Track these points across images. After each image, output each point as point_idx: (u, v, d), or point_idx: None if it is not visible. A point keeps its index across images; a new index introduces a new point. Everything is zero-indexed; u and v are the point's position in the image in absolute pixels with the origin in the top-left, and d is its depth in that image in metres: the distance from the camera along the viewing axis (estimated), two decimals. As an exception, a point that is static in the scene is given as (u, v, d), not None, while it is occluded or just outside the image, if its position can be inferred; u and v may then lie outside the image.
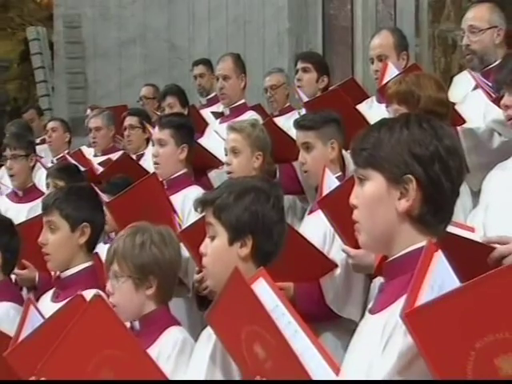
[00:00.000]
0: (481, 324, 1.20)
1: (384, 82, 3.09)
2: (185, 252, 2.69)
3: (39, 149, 4.90)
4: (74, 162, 4.08)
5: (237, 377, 1.67)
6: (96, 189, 2.90)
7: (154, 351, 1.91)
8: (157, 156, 3.34)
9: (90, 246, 2.49)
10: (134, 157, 4.37)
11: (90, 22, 7.01)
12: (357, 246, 2.06)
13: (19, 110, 7.39)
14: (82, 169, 3.86)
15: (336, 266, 2.55)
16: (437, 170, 1.40)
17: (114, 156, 4.39)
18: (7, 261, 2.70)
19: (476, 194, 2.54)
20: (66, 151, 5.07)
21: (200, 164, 3.56)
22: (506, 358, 1.19)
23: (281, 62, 5.77)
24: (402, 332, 1.30)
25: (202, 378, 1.73)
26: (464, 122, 2.78)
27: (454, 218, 1.51)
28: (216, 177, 3.62)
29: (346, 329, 2.37)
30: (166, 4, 6.83)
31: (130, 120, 4.67)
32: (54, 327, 1.92)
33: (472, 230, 2.16)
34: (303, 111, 3.60)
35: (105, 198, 2.99)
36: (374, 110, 3.29)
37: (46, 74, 7.84)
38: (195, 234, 2.18)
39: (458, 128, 2.72)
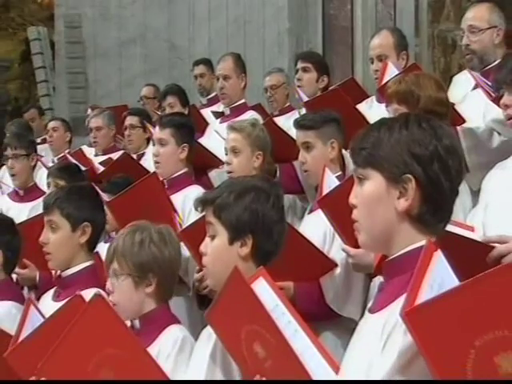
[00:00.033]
0: (480, 322, 1.20)
1: (384, 81, 3.10)
2: (185, 251, 2.70)
3: (40, 148, 4.91)
4: (74, 161, 4.08)
5: (237, 376, 1.68)
6: (97, 188, 2.90)
7: (153, 350, 1.92)
8: (157, 155, 3.34)
9: (91, 245, 2.50)
10: (134, 156, 4.38)
11: (90, 22, 7.01)
12: (357, 246, 2.06)
13: (20, 110, 7.39)
14: (83, 168, 3.87)
15: (336, 265, 2.56)
16: (436, 170, 1.40)
17: (115, 155, 4.40)
18: (8, 260, 2.71)
19: (476, 194, 2.55)
20: (67, 151, 5.08)
21: (200, 163, 3.57)
22: (506, 356, 1.19)
23: (281, 61, 5.78)
24: (402, 331, 1.30)
25: (202, 377, 1.73)
26: (464, 121, 2.78)
27: (453, 217, 1.52)
28: (216, 176, 3.63)
29: (346, 328, 2.38)
30: (166, 4, 6.84)
31: (130, 120, 4.68)
32: (54, 327, 1.93)
33: (472, 229, 2.17)
34: (303, 111, 3.60)
35: (105, 197, 2.99)
36: (373, 110, 3.29)
37: (47, 74, 7.84)
38: (195, 234, 2.18)
39: (458, 128, 2.73)
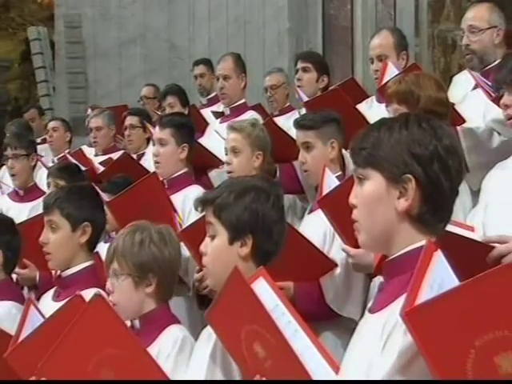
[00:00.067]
0: (480, 322, 1.20)
1: (384, 81, 3.10)
2: (185, 251, 2.70)
3: (40, 148, 4.91)
4: (74, 161, 4.09)
5: (237, 376, 1.68)
6: (97, 188, 2.90)
7: (153, 350, 1.92)
8: (157, 155, 3.35)
9: (91, 245, 2.50)
10: (134, 156, 4.38)
11: (90, 22, 7.01)
12: (357, 246, 2.06)
13: (20, 110, 7.40)
14: (83, 168, 3.87)
15: (336, 265, 2.56)
16: (436, 170, 1.40)
17: (115, 155, 4.40)
18: (8, 260, 2.71)
19: (476, 194, 2.55)
20: (67, 151, 5.08)
21: (200, 163, 3.57)
22: (506, 356, 1.19)
23: (281, 61, 5.78)
24: (402, 331, 1.30)
25: (202, 377, 1.73)
26: (464, 121, 2.78)
27: (453, 217, 1.52)
28: (216, 176, 3.63)
29: (346, 328, 2.38)
30: (166, 4, 6.84)
31: (130, 120, 4.68)
32: (54, 327, 1.93)
33: (472, 229, 2.17)
34: (303, 111, 3.61)
35: (105, 197, 2.99)
36: (373, 110, 3.30)
37: (47, 74, 7.84)
38: (196, 234, 2.18)
39: (458, 128, 2.73)
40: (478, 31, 3.05)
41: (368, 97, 3.56)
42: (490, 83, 2.69)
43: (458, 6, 5.30)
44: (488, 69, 2.99)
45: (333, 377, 1.47)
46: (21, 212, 3.83)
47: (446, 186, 1.41)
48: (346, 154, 2.81)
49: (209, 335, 1.76)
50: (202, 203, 1.85)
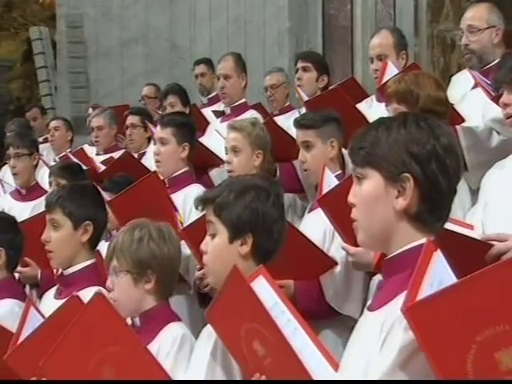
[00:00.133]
0: (481, 317, 1.21)
1: (383, 81, 3.11)
2: (186, 249, 2.71)
3: (42, 147, 4.93)
4: (76, 160, 4.10)
5: (237, 374, 1.68)
6: (98, 187, 2.91)
7: (153, 347, 1.93)
8: (158, 154, 3.36)
9: (93, 243, 2.51)
10: (135, 155, 4.39)
11: (92, 22, 7.02)
12: (356, 244, 2.07)
13: (22, 109, 7.42)
14: (85, 167, 3.89)
15: (336, 263, 2.57)
16: (434, 169, 1.41)
17: (116, 155, 4.42)
18: (11, 258, 2.72)
19: (475, 193, 2.56)
20: (69, 150, 5.10)
21: (201, 162, 3.58)
22: (507, 352, 1.20)
23: (281, 61, 5.79)
24: (402, 327, 1.30)
25: (202, 375, 1.74)
26: (463, 120, 2.79)
27: (452, 216, 1.52)
28: (217, 175, 3.64)
29: (346, 326, 2.38)
30: (168, 4, 6.85)
31: (131, 119, 4.70)
32: (52, 328, 1.94)
33: (471, 227, 2.18)
34: (303, 110, 3.62)
35: (106, 196, 3.01)
36: (373, 109, 3.30)
37: (49, 74, 7.85)
38: (196, 232, 2.20)
39: (458, 127, 2.74)
40: (477, 31, 3.06)
41: (368, 96, 3.57)
42: (489, 82, 2.70)
43: (458, 6, 5.30)
44: (487, 68, 2.99)
45: (332, 374, 1.47)
46: (23, 211, 3.85)
47: (444, 184, 1.42)
48: (346, 153, 2.82)
49: (209, 333, 1.77)
50: (202, 202, 1.86)
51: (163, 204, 3.02)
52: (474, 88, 3.01)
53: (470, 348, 1.21)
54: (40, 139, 5.33)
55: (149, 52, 6.92)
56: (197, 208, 1.93)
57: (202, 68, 5.21)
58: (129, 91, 6.57)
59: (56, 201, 2.48)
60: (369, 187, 1.45)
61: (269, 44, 6.25)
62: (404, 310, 1.25)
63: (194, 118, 3.98)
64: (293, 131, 3.09)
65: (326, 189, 2.57)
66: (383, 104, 2.71)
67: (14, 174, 4.14)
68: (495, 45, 3.07)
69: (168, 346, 1.96)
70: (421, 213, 1.42)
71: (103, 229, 2.60)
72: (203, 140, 3.81)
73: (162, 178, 3.29)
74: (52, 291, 2.58)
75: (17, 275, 2.99)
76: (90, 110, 5.68)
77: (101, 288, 2.24)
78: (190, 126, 3.44)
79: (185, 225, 2.92)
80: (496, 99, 2.36)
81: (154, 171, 3.30)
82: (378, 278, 2.09)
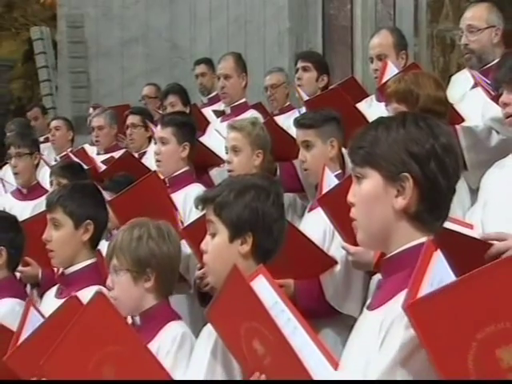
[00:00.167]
0: (482, 315, 1.21)
1: (383, 80, 3.11)
2: (186, 248, 2.72)
3: (43, 147, 4.94)
4: (77, 160, 4.11)
5: (238, 374, 1.69)
6: (98, 186, 2.92)
7: (153, 346, 1.93)
8: (159, 154, 3.37)
9: (94, 242, 2.52)
10: (136, 155, 4.40)
11: (92, 22, 7.03)
12: (356, 244, 2.08)
13: (23, 109, 7.43)
14: (85, 167, 3.90)
15: (336, 262, 2.57)
16: (433, 168, 1.41)
17: (117, 154, 4.43)
18: (12, 257, 2.73)
19: (474, 192, 2.57)
20: (69, 149, 5.10)
21: (201, 162, 3.59)
22: (508, 349, 1.20)
23: (281, 61, 5.79)
24: (403, 325, 1.31)
25: (202, 374, 1.74)
26: (462, 120, 2.79)
27: (452, 215, 1.53)
28: (217, 175, 3.65)
29: (346, 325, 2.39)
30: (168, 4, 6.85)
31: (132, 119, 4.71)
32: (52, 329, 1.94)
33: (471, 226, 2.18)
34: (303, 110, 3.62)
35: (106, 195, 3.01)
36: (373, 109, 3.31)
37: (50, 74, 7.86)
38: (197, 231, 2.20)
39: (457, 126, 2.74)
40: (476, 31, 3.06)
41: (368, 96, 3.57)
42: (489, 82, 2.70)
43: (457, 6, 5.31)
44: (487, 68, 3.00)
45: (331, 373, 1.47)
46: (24, 210, 3.86)
47: (444, 184, 1.43)
48: (346, 152, 2.82)
49: (210, 332, 1.77)
50: (202, 202, 1.87)
51: (163, 203, 3.03)
52: (473, 88, 3.01)
53: (471, 345, 1.21)
54: (41, 139, 5.34)
55: (149, 52, 6.92)
56: (197, 207, 1.93)
57: (203, 68, 5.22)
58: (129, 91, 6.58)
59: (57, 200, 2.48)
60: (368, 187, 1.45)
61: (269, 44, 6.26)
62: (405, 307, 1.25)
63: (195, 118, 3.99)
64: (293, 131, 3.10)
65: (325, 188, 2.57)
66: (383, 104, 2.71)
67: (15, 174, 4.15)
68: (495, 44, 3.07)
69: (168, 344, 1.97)
70: (420, 212, 1.42)
71: (104, 228, 2.61)
72: (203, 139, 3.82)
73: (162, 177, 3.30)
74: (53, 290, 2.58)
75: (18, 274, 3.00)
76: (91, 109, 5.69)
77: (101, 287, 2.25)
78: (190, 126, 3.45)
79: (185, 224, 2.93)
80: (496, 99, 2.36)
81: (154, 171, 3.30)
82: (377, 277, 2.09)
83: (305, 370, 1.46)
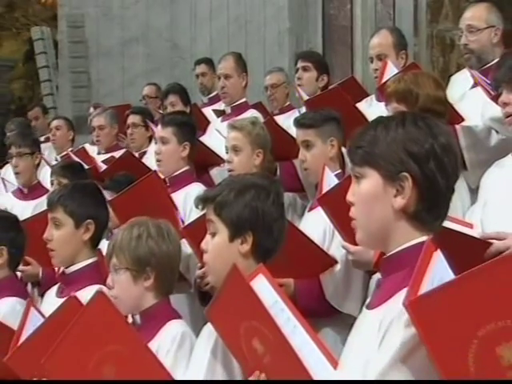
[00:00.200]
0: (483, 312, 1.22)
1: (383, 80, 3.12)
2: (186, 248, 2.72)
3: (43, 147, 4.95)
4: (77, 159, 4.12)
5: (238, 373, 1.69)
6: (99, 186, 2.92)
7: (153, 345, 1.94)
8: (159, 153, 3.37)
9: (94, 242, 2.53)
10: (136, 154, 4.41)
11: (93, 22, 7.04)
12: (356, 243, 2.08)
13: (24, 109, 7.45)
14: (86, 166, 3.90)
15: (336, 262, 2.58)
16: (432, 168, 1.42)
17: (117, 154, 4.43)
18: (13, 256, 2.74)
19: (474, 191, 2.57)
20: (70, 149, 5.11)
21: (202, 161, 3.59)
22: (508, 347, 1.20)
23: (281, 61, 5.80)
24: (403, 323, 1.31)
25: (203, 372, 1.75)
26: (462, 119, 2.80)
27: (452, 215, 1.53)
28: (217, 174, 3.65)
29: (346, 324, 2.38)
30: (168, 4, 6.86)
31: (132, 118, 4.71)
32: (52, 329, 1.95)
33: (470, 226, 2.19)
34: (303, 110, 3.63)
35: (107, 195, 3.02)
36: (373, 109, 3.31)
37: (51, 73, 7.87)
38: (197, 231, 2.21)
39: (457, 126, 2.74)
40: (476, 31, 3.07)
41: (368, 96, 3.58)
42: (489, 82, 2.70)
43: (457, 6, 5.31)
44: (486, 68, 3.00)
45: (331, 372, 1.48)
46: (25, 210, 3.87)
47: (442, 183, 1.43)
48: (346, 152, 2.82)
49: (210, 332, 1.77)
50: (202, 201, 1.87)
51: (164, 203, 3.04)
52: (473, 87, 3.02)
53: (472, 343, 1.21)
54: (42, 138, 5.35)
55: (150, 52, 6.93)
56: (197, 207, 1.94)
57: (203, 68, 5.22)
58: (130, 91, 6.59)
59: (58, 200, 2.49)
60: (367, 186, 1.45)
61: (269, 44, 6.27)
62: (406, 304, 1.25)
63: (195, 118, 4.00)
64: (293, 130, 3.10)
65: (325, 188, 2.58)
66: (383, 103, 2.72)
67: (16, 173, 4.16)
68: (494, 44, 3.07)
69: (168, 344, 1.97)
70: (419, 211, 1.43)
71: (105, 227, 2.62)
72: (204, 139, 3.83)
73: (162, 177, 3.30)
74: (54, 289, 2.59)
75: (19, 274, 3.01)
76: (92, 109, 5.70)
77: (102, 286, 2.25)
78: (190, 126, 3.46)
79: (185, 223, 2.94)
80: (495, 98, 2.37)
81: (155, 170, 3.31)
82: (377, 276, 2.09)
83: (304, 369, 1.47)
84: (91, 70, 7.10)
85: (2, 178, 4.69)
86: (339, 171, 2.84)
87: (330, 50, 5.82)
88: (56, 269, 2.82)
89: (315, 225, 2.67)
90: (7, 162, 4.56)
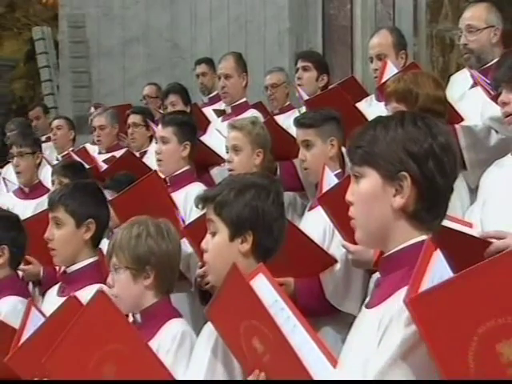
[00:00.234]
0: (483, 309, 1.22)
1: (383, 80, 3.12)
2: (186, 247, 2.73)
3: (44, 146, 4.95)
4: (78, 159, 4.12)
5: (238, 373, 1.69)
6: (100, 185, 2.93)
7: (154, 344, 1.94)
8: (160, 153, 3.38)
9: (95, 241, 2.53)
10: (137, 154, 4.42)
11: (94, 22, 7.05)
12: (356, 242, 2.09)
13: (25, 109, 7.46)
14: (87, 166, 3.91)
15: (336, 261, 2.58)
16: (431, 167, 1.42)
17: (118, 153, 4.44)
18: (14, 256, 2.74)
19: (474, 191, 2.57)
20: (71, 149, 5.13)
21: (202, 161, 3.60)
22: (508, 344, 1.20)
23: (281, 60, 5.80)
24: (402, 322, 1.32)
25: (203, 371, 1.75)
26: (462, 119, 2.80)
27: (452, 214, 1.53)
28: (218, 174, 3.66)
29: (346, 323, 2.38)
30: (169, 4, 6.87)
31: (133, 118, 4.72)
32: (52, 329, 1.96)
33: (470, 225, 2.19)
34: (303, 109, 3.63)
35: (107, 194, 3.03)
36: (373, 108, 3.31)
37: (51, 73, 7.88)
38: (198, 230, 2.21)
39: (456, 126, 2.75)
40: (475, 31, 3.07)
41: (367, 95, 3.58)
42: (488, 81, 2.71)
43: (456, 6, 5.32)
44: (486, 68, 3.00)
45: (330, 371, 1.48)
46: (26, 209, 3.88)
47: (441, 183, 1.43)
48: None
49: (210, 331, 1.77)
50: (202, 201, 1.88)
51: (164, 202, 3.04)
52: (472, 87, 3.02)
53: (472, 340, 1.21)
54: (43, 138, 5.36)
55: (150, 52, 6.94)
56: (197, 206, 1.94)
57: (203, 67, 5.23)
58: (130, 90, 6.59)
59: (59, 199, 2.50)
60: (366, 186, 1.46)
61: (269, 44, 6.27)
62: (406, 302, 1.26)
63: (195, 117, 4.00)
64: (293, 130, 3.11)
65: (325, 187, 2.58)
66: (383, 103, 2.72)
67: (17, 173, 4.17)
68: (494, 44, 3.08)
69: (168, 343, 1.98)
70: (418, 211, 1.43)
71: (105, 227, 2.62)
72: (204, 139, 3.83)
73: (163, 176, 3.31)
74: (55, 289, 2.60)
75: (20, 273, 3.02)
76: (92, 109, 5.70)
77: (102, 286, 2.26)
78: (190, 125, 3.46)
79: (186, 223, 2.94)
80: (495, 98, 2.37)
81: (155, 170, 3.32)
82: (377, 275, 2.09)
83: (303, 368, 1.47)
84: (92, 69, 7.11)
85: (3, 178, 4.70)
86: (339, 171, 2.84)
87: (330, 50, 5.82)
88: (57, 268, 2.82)
89: (315, 224, 2.68)
90: (8, 162, 4.57)
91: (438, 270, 1.37)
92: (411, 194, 1.42)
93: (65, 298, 2.23)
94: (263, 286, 1.59)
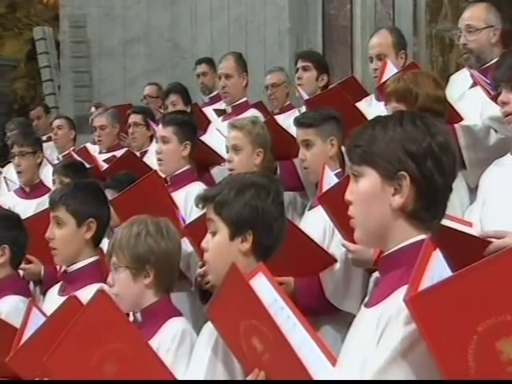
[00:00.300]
0: (483, 307, 1.22)
1: (383, 80, 3.12)
2: (186, 246, 2.74)
3: (45, 146, 4.96)
4: (79, 158, 4.13)
5: (239, 373, 1.69)
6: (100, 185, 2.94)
7: (154, 343, 1.94)
8: (160, 153, 3.39)
9: (96, 240, 2.54)
10: (137, 154, 4.43)
11: (95, 22, 7.05)
12: (356, 242, 2.09)
13: (26, 108, 7.46)
14: (88, 166, 3.92)
15: (336, 260, 2.59)
16: (430, 167, 1.42)
17: (119, 153, 4.45)
18: (15, 255, 2.75)
19: (473, 191, 2.58)
20: (72, 148, 5.14)
21: (202, 161, 3.61)
22: (508, 341, 1.21)
23: (281, 60, 5.81)
24: (401, 321, 1.32)
25: (203, 371, 1.75)
26: (461, 119, 2.80)
27: (451, 213, 1.53)
28: (218, 173, 3.66)
29: (346, 322, 2.38)
30: (169, 4, 6.87)
31: (134, 118, 4.73)
32: (52, 329, 1.96)
33: (470, 224, 2.20)
34: (303, 109, 3.64)
35: (108, 194, 3.03)
36: (373, 108, 3.32)
37: (52, 73, 7.89)
38: (198, 230, 2.22)
39: (456, 125, 2.75)
40: (475, 30, 3.07)
41: (367, 95, 3.59)
42: (488, 81, 2.71)
43: (456, 6, 5.33)
44: (485, 67, 3.01)
45: (330, 370, 1.49)
46: (27, 208, 3.88)
47: (440, 182, 1.44)
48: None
49: (210, 330, 1.78)
50: (202, 200, 1.88)
51: (164, 202, 3.05)
52: (472, 87, 3.03)
53: (472, 338, 1.22)
54: (44, 138, 5.37)
55: (151, 52, 6.94)
56: (197, 206, 1.94)
57: (204, 67, 5.24)
58: (131, 90, 6.60)
59: (59, 199, 2.50)
60: (365, 185, 1.46)
61: (269, 44, 6.28)
62: (406, 300, 1.26)
63: (196, 117, 4.00)
64: (293, 130, 3.12)
65: (325, 187, 2.59)
66: (382, 103, 2.73)
67: (18, 172, 4.18)
68: (493, 44, 3.08)
69: (168, 342, 1.98)
70: (417, 210, 1.43)
71: (106, 226, 2.63)
72: (205, 138, 3.84)
73: (163, 176, 3.32)
74: (56, 288, 2.61)
75: (21, 272, 3.03)
76: (93, 108, 5.71)
77: (103, 285, 2.27)
78: (191, 125, 3.47)
79: (186, 222, 2.95)
80: (495, 98, 2.38)
81: (154, 170, 3.32)
82: (376, 274, 2.10)
83: (303, 368, 1.47)
84: (93, 69, 7.11)
85: (4, 177, 4.71)
86: (339, 170, 2.85)
87: (330, 49, 5.83)
88: (58, 267, 2.83)
89: (315, 223, 2.68)
90: (9, 161, 4.58)
91: (438, 269, 1.37)
92: (410, 193, 1.43)
93: (65, 298, 2.24)
94: (263, 286, 1.59)
